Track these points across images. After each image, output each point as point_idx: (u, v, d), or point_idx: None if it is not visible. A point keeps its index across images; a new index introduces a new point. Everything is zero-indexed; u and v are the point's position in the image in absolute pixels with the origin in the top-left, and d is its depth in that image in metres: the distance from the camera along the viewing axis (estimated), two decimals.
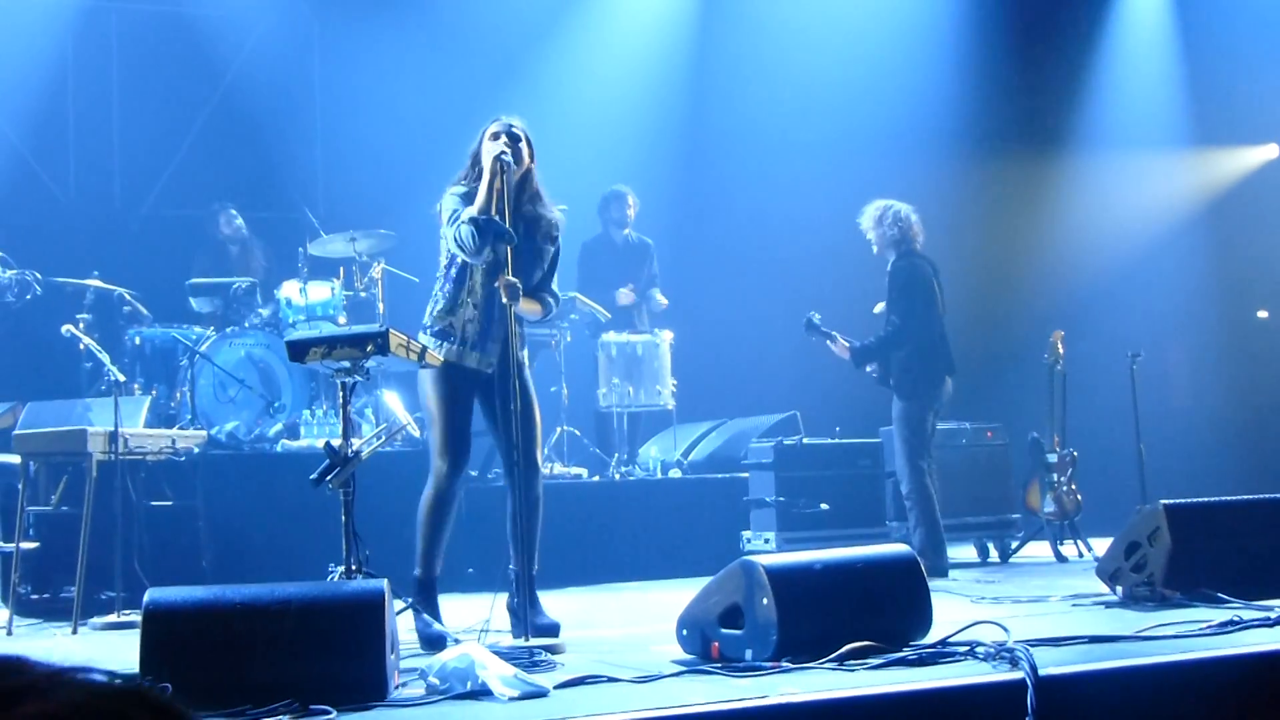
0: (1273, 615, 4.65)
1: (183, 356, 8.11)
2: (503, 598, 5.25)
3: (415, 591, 5.21)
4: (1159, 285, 11.92)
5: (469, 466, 5.45)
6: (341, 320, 8.27)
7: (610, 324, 8.92)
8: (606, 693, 3.77)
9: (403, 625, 4.54)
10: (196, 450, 6.94)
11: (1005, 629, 4.21)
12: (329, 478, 4.62)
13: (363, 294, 8.47)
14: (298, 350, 4.76)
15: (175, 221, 10.14)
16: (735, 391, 10.29)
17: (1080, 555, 8.38)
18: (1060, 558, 8.39)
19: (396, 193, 9.28)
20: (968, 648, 4.10)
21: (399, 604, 4.52)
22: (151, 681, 0.83)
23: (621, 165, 10.17)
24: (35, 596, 6.57)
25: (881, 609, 4.40)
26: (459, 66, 10.27)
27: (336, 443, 4.70)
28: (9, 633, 5.89)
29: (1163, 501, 5.61)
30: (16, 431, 6.62)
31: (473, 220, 5.08)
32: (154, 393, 7.98)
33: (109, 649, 5.31)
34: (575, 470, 8.77)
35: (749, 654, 4.19)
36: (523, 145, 5.30)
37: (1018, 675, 3.61)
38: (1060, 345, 8.72)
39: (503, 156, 5.10)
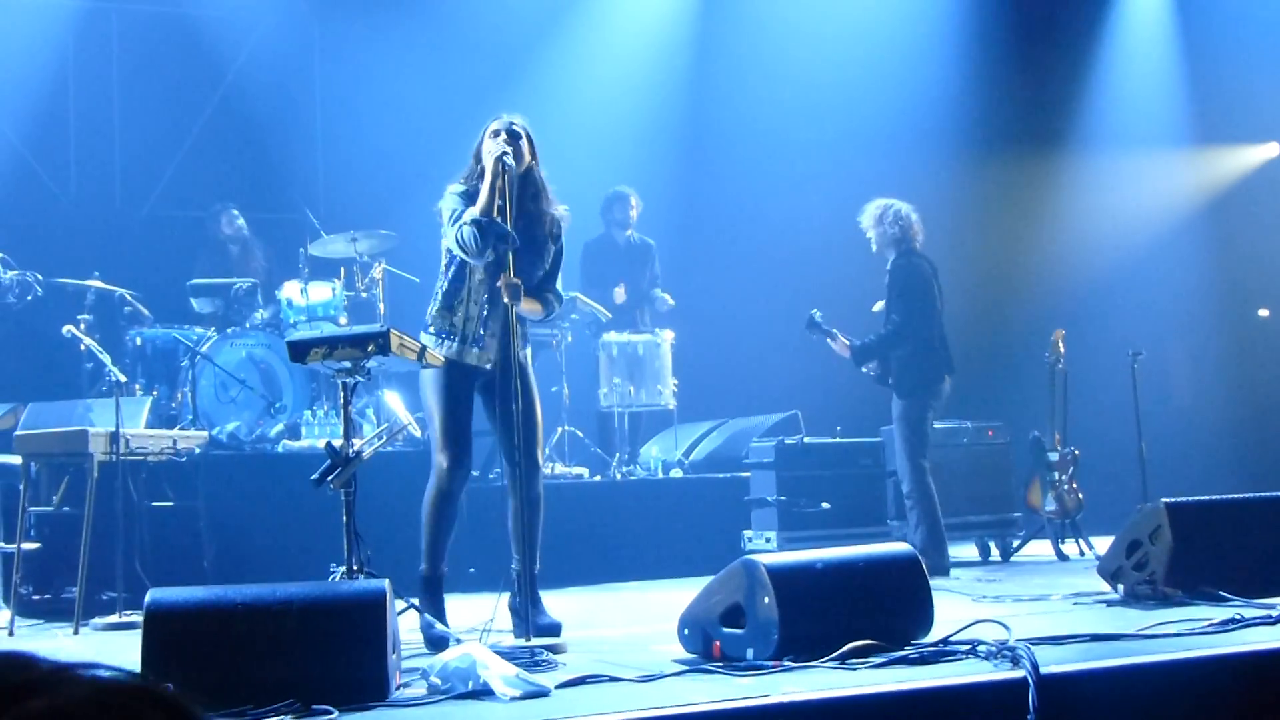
0: (1274, 613, 4.65)
1: (184, 357, 8.11)
2: (506, 597, 5.25)
3: (421, 589, 5.21)
4: (1160, 284, 11.92)
5: (471, 465, 5.44)
6: (342, 321, 8.27)
7: (611, 324, 8.92)
8: (608, 692, 3.77)
9: (405, 625, 4.54)
10: (198, 451, 6.94)
11: (1007, 627, 4.22)
12: (330, 478, 4.63)
13: (364, 294, 8.47)
14: (299, 351, 4.76)
15: (176, 222, 10.15)
16: (736, 391, 10.29)
17: (1081, 554, 8.38)
18: (1061, 556, 8.39)
19: (397, 193, 9.29)
20: (969, 646, 4.10)
21: (400, 604, 4.52)
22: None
23: (622, 165, 10.17)
24: (37, 597, 6.58)
25: (883, 608, 4.41)
26: (460, 67, 10.27)
27: (338, 443, 4.70)
28: (11, 633, 5.89)
29: (1164, 500, 5.61)
30: (18, 432, 6.61)
31: (475, 222, 5.08)
32: (155, 393, 7.99)
33: (111, 649, 5.31)
34: (576, 470, 8.77)
35: (750, 653, 4.19)
36: (523, 143, 5.29)
37: (1019, 674, 3.61)
38: (1061, 344, 8.72)
39: (504, 158, 5.10)
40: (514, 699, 3.64)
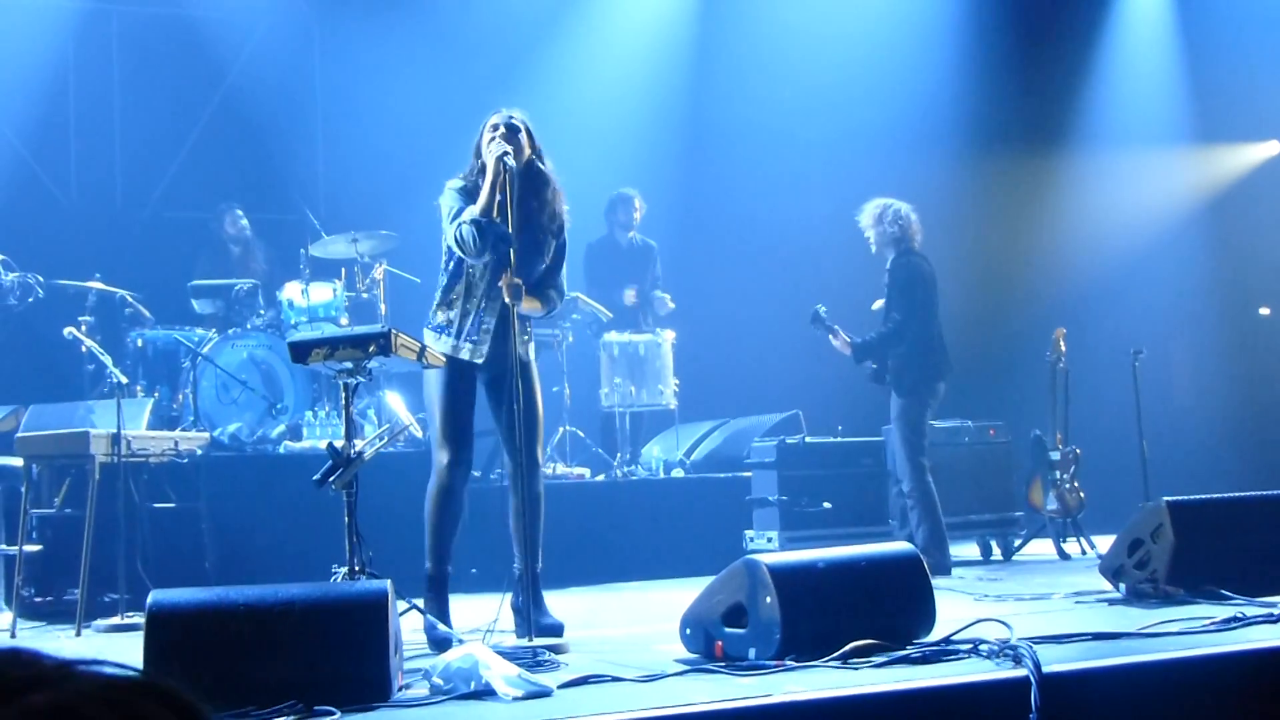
0: (1276, 612, 4.65)
1: (185, 358, 8.11)
2: (508, 598, 5.25)
3: (425, 588, 5.21)
4: (1161, 282, 11.92)
5: (471, 462, 5.44)
6: (343, 321, 8.27)
7: (612, 324, 8.93)
8: (610, 692, 3.77)
9: (407, 626, 4.54)
10: (199, 452, 6.94)
11: (1009, 626, 4.21)
12: (332, 479, 4.63)
13: (364, 295, 8.46)
14: (300, 351, 4.76)
15: (177, 223, 10.15)
16: (737, 391, 10.29)
17: (1083, 552, 8.37)
18: (1063, 555, 8.39)
19: (398, 193, 9.28)
20: (971, 645, 4.10)
21: (402, 605, 4.52)
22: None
23: (623, 165, 10.17)
24: (39, 599, 6.58)
25: (885, 607, 4.41)
26: (460, 67, 10.27)
27: (339, 444, 4.70)
28: (13, 635, 5.88)
29: (1165, 498, 5.61)
30: (19, 434, 6.62)
31: (474, 222, 5.08)
32: (156, 395, 7.99)
33: (113, 651, 5.31)
34: (578, 470, 8.77)
35: (752, 653, 4.19)
36: (522, 136, 5.28)
37: (1021, 673, 3.61)
38: (1062, 343, 8.72)
39: (504, 158, 5.08)
40: (516, 699, 3.64)
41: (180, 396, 8.11)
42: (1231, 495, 5.97)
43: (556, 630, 5.01)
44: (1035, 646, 3.82)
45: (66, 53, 10.17)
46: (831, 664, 4.00)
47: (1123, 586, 5.63)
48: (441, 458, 5.26)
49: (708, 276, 10.83)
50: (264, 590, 3.90)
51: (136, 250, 9.63)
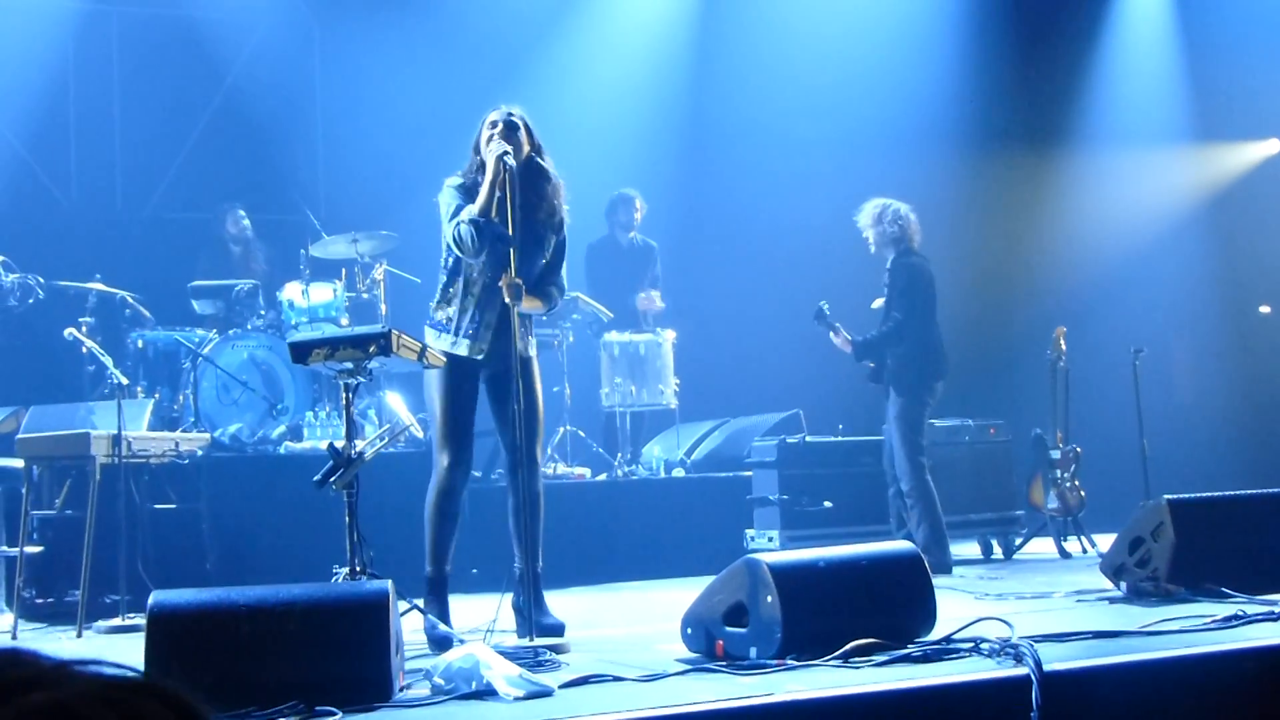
0: (1277, 610, 4.65)
1: (185, 359, 8.11)
2: (509, 597, 5.25)
3: (426, 590, 5.21)
4: (1161, 281, 11.91)
5: (471, 463, 5.44)
6: (344, 322, 8.27)
7: (613, 323, 8.93)
8: (611, 692, 3.77)
9: (408, 626, 4.54)
10: (200, 453, 6.94)
11: (1009, 625, 4.22)
12: (333, 479, 4.63)
13: (365, 295, 8.46)
14: (300, 352, 4.76)
15: (177, 224, 10.15)
16: (738, 390, 10.29)
17: (1084, 551, 8.37)
18: (1064, 554, 8.39)
19: (398, 194, 9.28)
20: (972, 644, 4.10)
21: (403, 605, 4.52)
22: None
23: (623, 165, 10.17)
24: (40, 600, 6.58)
25: (886, 606, 4.41)
26: (460, 67, 10.27)
27: (340, 444, 4.70)
28: (14, 637, 5.88)
29: (1166, 497, 5.62)
30: (20, 435, 6.62)
31: (473, 222, 5.07)
32: (157, 395, 7.98)
33: (114, 652, 5.30)
34: (579, 470, 8.77)
35: (754, 652, 4.20)
36: (521, 134, 5.27)
37: (1022, 671, 3.61)
38: (1063, 341, 8.72)
39: (505, 157, 5.08)
40: (517, 699, 3.64)
41: (181, 397, 8.11)
42: (1232, 493, 5.97)
43: (557, 630, 5.01)
44: (1036, 645, 3.82)
45: (66, 54, 10.17)
46: (832, 663, 4.00)
47: (1124, 585, 5.63)
48: (442, 459, 5.26)
49: (708, 276, 10.83)
50: (265, 591, 3.90)
51: (137, 251, 9.63)
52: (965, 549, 8.57)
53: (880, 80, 11.22)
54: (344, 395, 4.80)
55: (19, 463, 6.32)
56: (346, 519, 4.67)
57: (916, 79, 11.37)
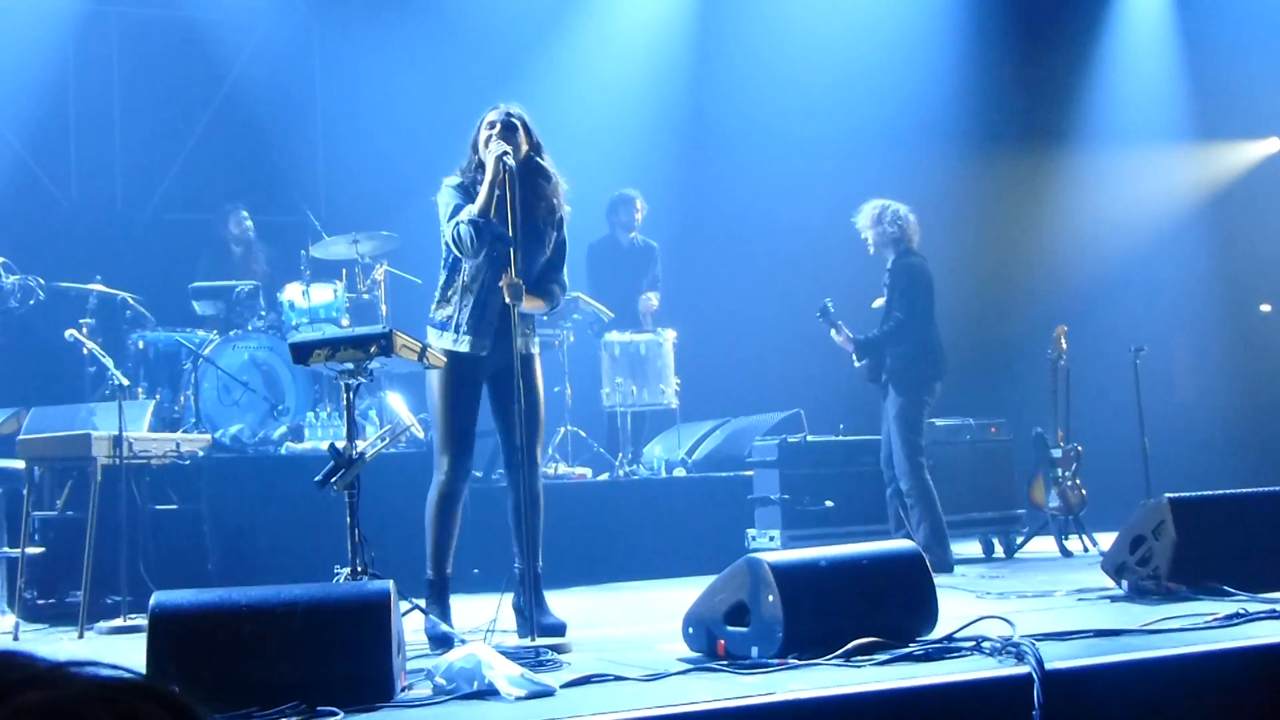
0: (1278, 608, 4.65)
1: (186, 360, 8.11)
2: (509, 597, 5.25)
3: (427, 593, 5.21)
4: (1161, 280, 11.91)
5: (472, 465, 5.45)
6: (344, 322, 8.27)
7: (613, 323, 8.93)
8: (613, 691, 3.77)
9: (410, 626, 4.54)
10: (201, 454, 6.94)
11: (1011, 624, 4.21)
12: (334, 480, 4.63)
13: (365, 296, 8.47)
14: (301, 352, 4.76)
15: (178, 225, 10.15)
16: (738, 390, 10.29)
17: (1085, 550, 8.38)
18: (1065, 552, 8.39)
19: (398, 194, 9.28)
20: (974, 643, 4.10)
21: (405, 605, 4.52)
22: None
23: (623, 165, 10.17)
24: (41, 601, 6.58)
25: (887, 605, 4.40)
26: (460, 67, 10.27)
27: (341, 445, 4.70)
28: (15, 638, 5.88)
29: (1167, 495, 5.61)
30: (21, 436, 6.63)
31: (472, 222, 5.07)
32: (158, 396, 7.99)
33: (115, 653, 5.31)
34: (580, 470, 8.77)
35: (755, 651, 4.19)
36: (519, 134, 5.27)
37: (1024, 670, 3.61)
38: (1063, 340, 8.72)
39: (504, 157, 5.07)
40: (519, 699, 3.64)
41: (182, 398, 8.11)
42: (1233, 492, 5.96)
43: (559, 630, 5.01)
44: (1038, 643, 3.82)
45: (67, 55, 10.18)
46: (834, 662, 4.00)
47: (1125, 583, 5.62)
48: (443, 462, 5.25)
49: (708, 276, 10.83)
50: (266, 591, 3.90)
51: (137, 252, 9.64)
52: (966, 548, 8.57)
53: (880, 80, 11.22)
54: (345, 396, 4.80)
55: (20, 464, 6.32)
56: (348, 519, 4.67)
57: (916, 79, 11.37)
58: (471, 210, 5.11)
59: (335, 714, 3.52)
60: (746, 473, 8.53)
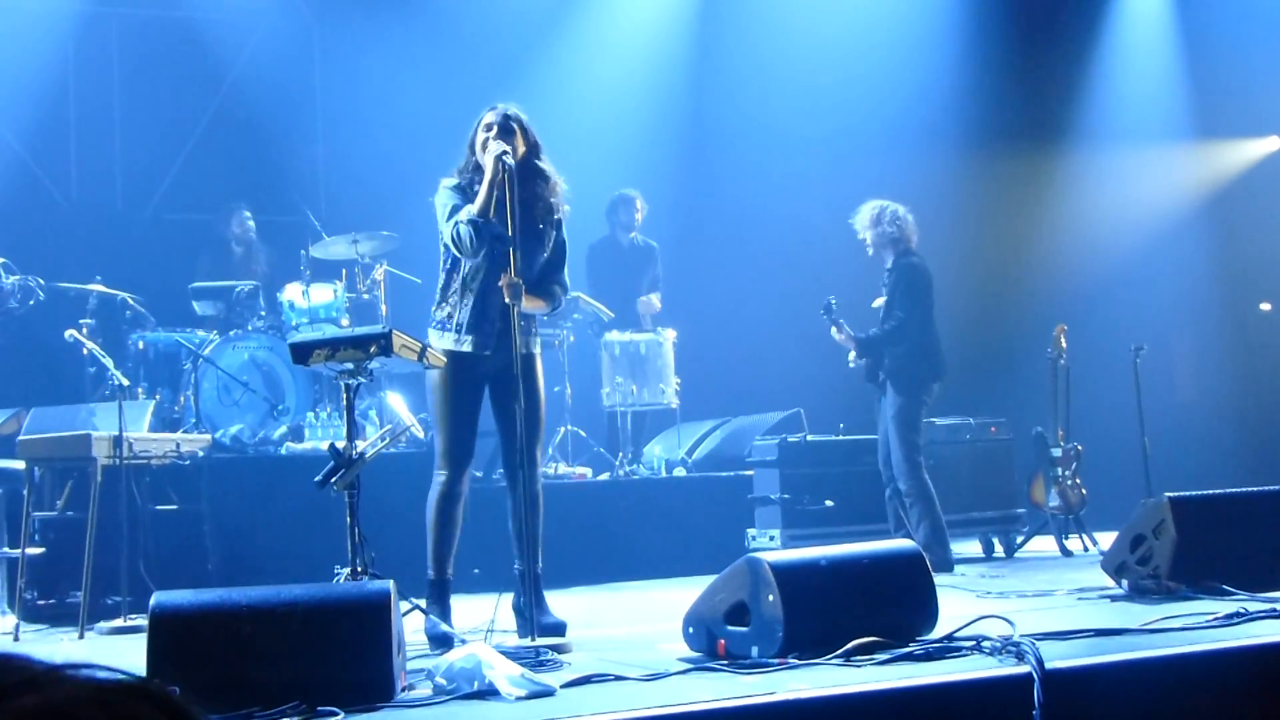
0: (1278, 607, 4.64)
1: (186, 360, 8.11)
2: (508, 597, 5.25)
3: (428, 594, 5.21)
4: (1161, 279, 11.91)
5: (471, 466, 5.44)
6: (344, 322, 8.27)
7: (614, 323, 8.93)
8: (613, 691, 3.77)
9: (410, 626, 4.54)
10: (201, 454, 6.95)
11: (1011, 623, 4.21)
12: (334, 480, 4.63)
13: (365, 296, 8.47)
14: (301, 352, 4.76)
15: (178, 225, 10.16)
16: (739, 389, 10.30)
17: (1085, 549, 8.38)
18: (1065, 552, 8.39)
19: (398, 194, 9.26)
20: (974, 642, 4.10)
21: (405, 605, 4.52)
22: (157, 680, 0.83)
23: (624, 165, 10.17)
24: (41, 602, 6.58)
25: (887, 604, 4.41)
26: (460, 67, 10.27)
27: (341, 445, 4.70)
28: (16, 639, 5.88)
29: (1167, 494, 5.61)
30: (21, 437, 6.63)
31: (471, 222, 5.08)
32: (158, 397, 7.99)
33: (116, 653, 5.30)
34: (580, 470, 8.77)
35: (755, 651, 4.19)
36: (516, 136, 5.27)
37: (1024, 669, 3.61)
38: (1063, 339, 8.72)
39: (504, 157, 5.07)
40: (519, 699, 3.64)
41: (182, 398, 8.11)
42: (1233, 491, 5.97)
43: (559, 630, 5.01)
44: (1038, 643, 3.82)
45: (67, 55, 10.18)
46: (834, 662, 4.00)
47: (1125, 583, 5.63)
48: (444, 462, 5.26)
49: (708, 276, 10.83)
50: (267, 591, 3.90)
51: (137, 252, 9.63)
52: (967, 547, 8.57)
53: (880, 80, 11.22)
54: (345, 396, 4.80)
55: (20, 464, 6.32)
56: (348, 519, 4.67)
57: (916, 78, 11.37)
58: (471, 210, 5.11)
59: (335, 714, 3.52)
60: (747, 472, 8.53)
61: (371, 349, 4.66)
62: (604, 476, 8.77)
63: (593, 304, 8.93)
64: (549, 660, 4.29)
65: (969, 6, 11.66)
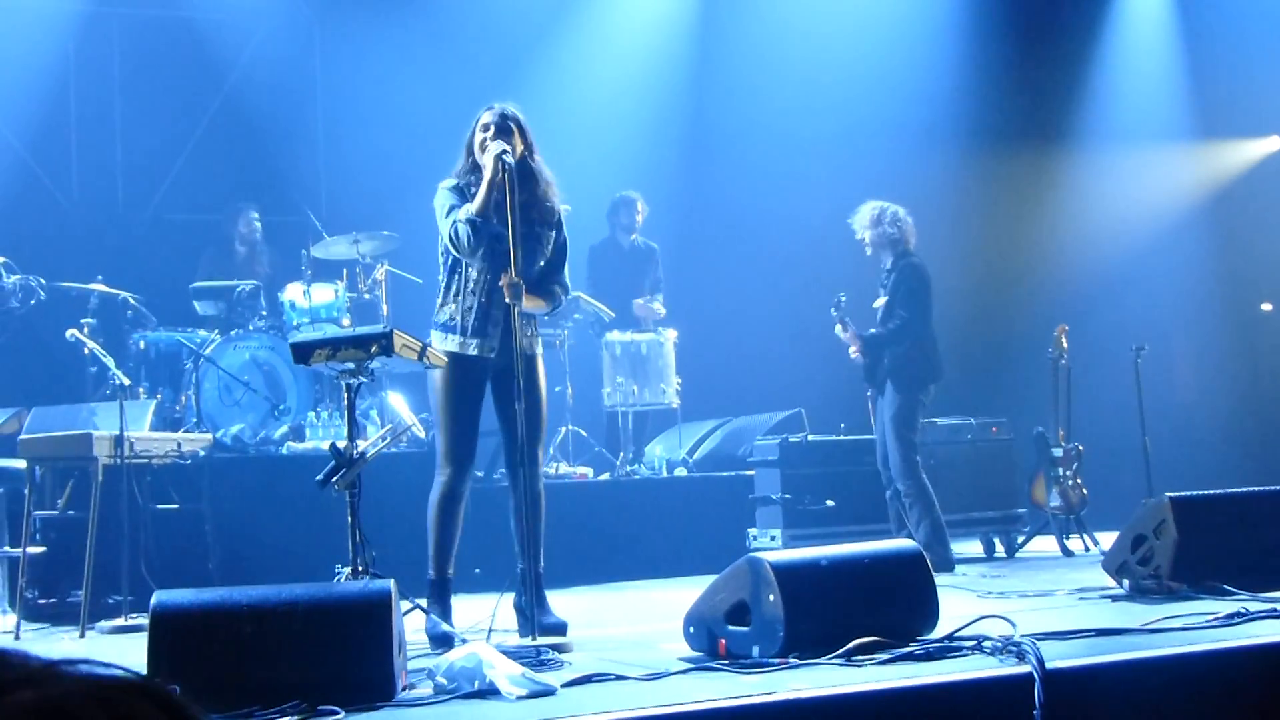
0: (1279, 607, 4.64)
1: (187, 360, 8.12)
2: (509, 596, 5.25)
3: (429, 593, 5.21)
4: (1162, 279, 11.90)
5: (474, 466, 5.44)
6: (345, 322, 8.27)
7: (614, 323, 8.93)
8: (614, 691, 3.77)
9: (410, 625, 4.54)
10: (202, 453, 6.94)
11: (1012, 623, 4.21)
12: (335, 479, 4.63)
13: (366, 296, 8.47)
14: (302, 352, 4.76)
15: (179, 225, 10.16)
16: (740, 389, 10.29)
17: (1086, 549, 8.38)
18: (1066, 552, 8.39)
19: (399, 194, 9.27)
20: (975, 642, 4.10)
21: (405, 604, 4.52)
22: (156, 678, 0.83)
23: (624, 165, 10.17)
24: (42, 601, 6.59)
25: (888, 604, 4.41)
26: (460, 67, 10.27)
27: (342, 444, 4.70)
28: (16, 637, 5.89)
29: (1168, 494, 5.62)
30: (22, 436, 6.63)
31: (469, 221, 5.08)
32: (159, 396, 7.99)
33: (117, 652, 5.31)
34: (581, 470, 8.77)
35: (756, 650, 4.20)
36: (514, 136, 5.27)
37: (1025, 669, 3.61)
38: (1064, 339, 8.72)
39: (503, 156, 5.07)
40: (520, 698, 3.64)
41: (183, 398, 8.11)
42: (1234, 491, 5.97)
43: (560, 629, 5.01)
44: (1039, 643, 3.82)
45: (67, 55, 10.17)
46: (835, 661, 4.00)
47: (1126, 583, 5.63)
48: (446, 463, 5.26)
49: (709, 276, 10.83)
50: (267, 591, 3.90)
51: (138, 252, 9.64)
52: (968, 547, 8.57)
53: (881, 78, 11.21)
54: (346, 395, 4.81)
55: (21, 464, 6.32)
56: (349, 519, 4.67)
57: (917, 78, 11.36)
58: (470, 209, 5.11)
59: (336, 713, 3.52)
60: (748, 472, 8.53)
61: (372, 349, 4.67)
62: (605, 476, 8.77)
63: (593, 304, 8.93)
64: (550, 660, 4.29)
65: (969, 6, 11.66)
